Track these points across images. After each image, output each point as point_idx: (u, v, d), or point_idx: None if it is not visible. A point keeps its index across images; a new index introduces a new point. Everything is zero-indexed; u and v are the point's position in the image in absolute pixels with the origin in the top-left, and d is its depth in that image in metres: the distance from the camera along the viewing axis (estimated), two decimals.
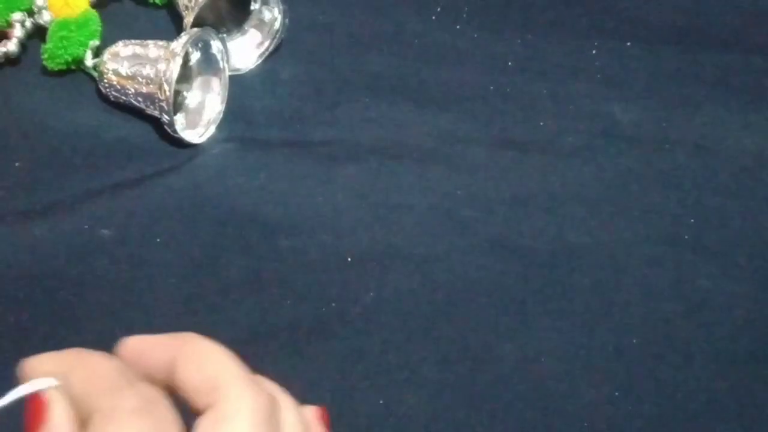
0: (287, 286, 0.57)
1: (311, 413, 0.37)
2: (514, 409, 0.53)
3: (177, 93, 0.63)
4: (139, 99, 0.63)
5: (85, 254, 0.58)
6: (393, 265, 0.58)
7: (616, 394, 0.54)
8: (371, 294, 0.57)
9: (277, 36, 0.68)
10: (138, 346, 0.35)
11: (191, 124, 0.65)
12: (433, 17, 0.72)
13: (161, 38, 0.64)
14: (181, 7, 0.66)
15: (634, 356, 0.55)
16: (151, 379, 0.33)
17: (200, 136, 0.64)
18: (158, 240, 0.59)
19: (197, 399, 0.32)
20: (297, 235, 0.59)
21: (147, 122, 0.64)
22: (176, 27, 0.69)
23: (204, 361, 0.33)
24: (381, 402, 0.53)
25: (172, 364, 0.33)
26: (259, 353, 0.54)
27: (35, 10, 0.67)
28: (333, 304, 0.56)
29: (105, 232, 0.59)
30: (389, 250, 0.59)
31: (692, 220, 0.62)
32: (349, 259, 0.58)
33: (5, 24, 0.66)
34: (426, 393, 0.53)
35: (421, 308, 0.57)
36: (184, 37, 0.62)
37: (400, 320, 0.56)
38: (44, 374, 0.32)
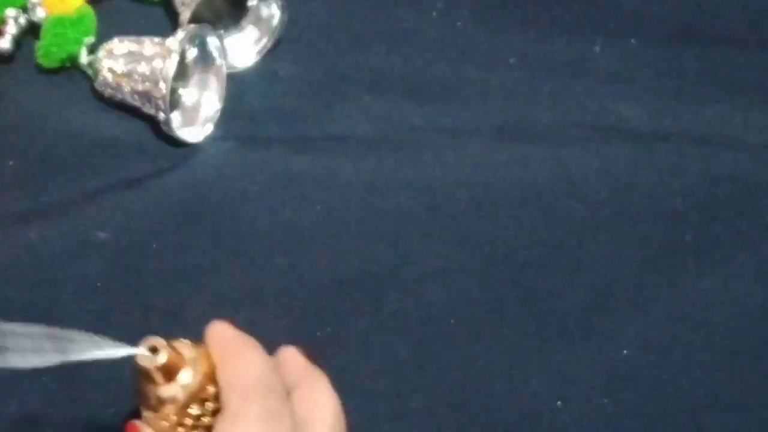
0: (283, 306, 0.57)
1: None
2: (509, 425, 0.53)
3: (173, 91, 0.62)
4: (135, 97, 0.62)
5: (80, 257, 0.58)
6: (388, 286, 0.58)
7: (615, 398, 0.54)
8: (365, 319, 0.57)
9: (276, 33, 0.68)
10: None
11: (188, 123, 0.64)
12: (434, 14, 0.72)
13: (157, 35, 0.63)
14: (178, 4, 0.66)
15: (634, 361, 0.55)
16: None
17: (197, 135, 0.64)
18: (154, 245, 0.58)
19: None
20: (294, 252, 0.59)
21: (143, 121, 0.64)
22: (172, 23, 0.68)
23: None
24: None
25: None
26: None
27: (29, 6, 0.66)
28: (328, 329, 0.56)
29: (101, 234, 0.58)
30: (385, 269, 0.59)
31: (694, 220, 0.62)
32: (345, 282, 0.58)
33: None
34: (415, 424, 0.53)
35: (413, 332, 0.56)
36: (180, 34, 0.61)
37: (392, 347, 0.56)
38: (214, 340, 0.40)
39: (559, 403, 0.54)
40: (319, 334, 0.56)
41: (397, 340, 0.56)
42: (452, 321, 0.57)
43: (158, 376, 0.38)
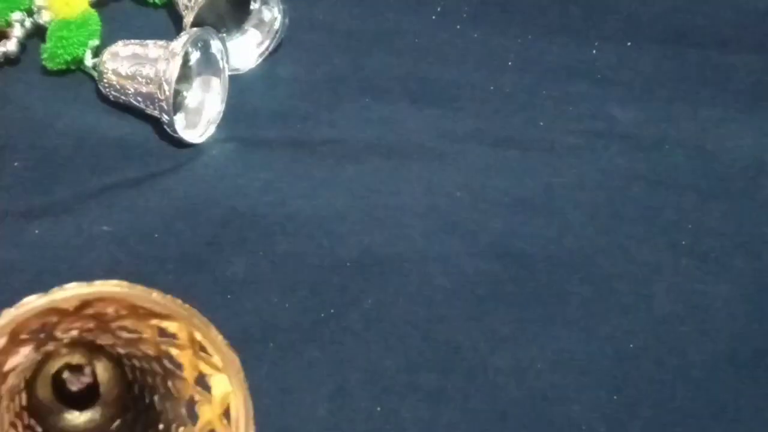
0: (286, 290, 0.57)
1: None
2: (511, 416, 0.53)
3: (177, 93, 0.63)
4: (139, 99, 0.63)
5: (84, 253, 0.58)
6: (391, 270, 0.58)
7: (614, 398, 0.54)
8: (370, 300, 0.57)
9: (277, 36, 0.68)
10: None
11: (191, 124, 0.65)
12: (433, 17, 0.72)
13: (161, 38, 0.64)
14: (181, 7, 0.66)
15: (633, 361, 0.55)
16: None
17: (200, 136, 0.64)
18: (156, 237, 0.59)
19: None
20: (296, 238, 0.59)
21: (147, 122, 0.64)
22: (176, 27, 0.69)
23: None
24: (378, 409, 0.53)
25: None
26: (256, 356, 0.54)
27: (35, 9, 0.67)
28: (332, 311, 0.56)
29: (105, 228, 0.59)
30: (388, 254, 0.59)
31: (690, 225, 0.61)
32: (348, 264, 0.58)
33: (5, 24, 0.66)
34: (423, 400, 0.53)
35: (418, 314, 0.56)
36: (183, 37, 0.62)
37: (398, 327, 0.56)
38: None
39: None
40: (322, 315, 0.56)
41: (401, 319, 0.56)
42: (457, 303, 0.57)
43: None
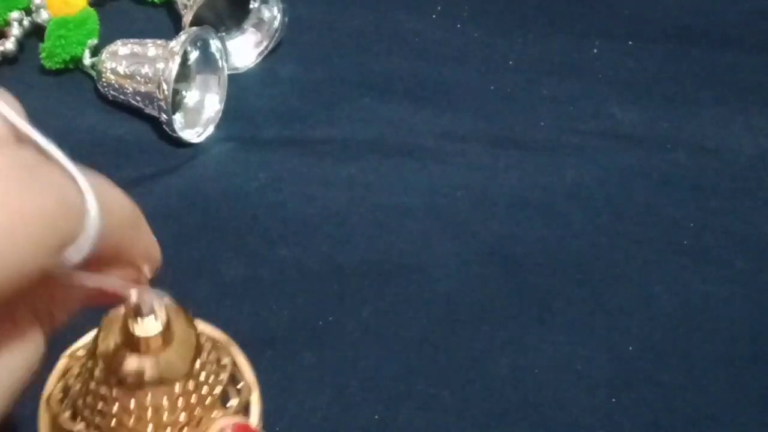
0: (285, 296, 0.56)
1: None
2: (510, 421, 0.52)
3: (175, 92, 0.63)
4: (138, 98, 0.63)
5: None
6: (391, 275, 0.58)
7: (613, 400, 0.54)
8: (369, 307, 0.56)
9: (277, 35, 0.68)
10: None
11: (190, 124, 0.64)
12: (434, 16, 0.72)
13: (160, 37, 0.64)
14: (180, 6, 0.66)
15: (632, 363, 0.55)
16: None
17: (199, 136, 0.64)
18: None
19: None
20: (295, 243, 0.59)
21: (146, 122, 0.64)
22: (175, 26, 0.69)
23: None
24: (376, 417, 0.52)
25: None
26: (253, 361, 0.54)
27: (33, 8, 0.67)
28: (330, 318, 0.56)
29: None
30: (388, 259, 0.58)
31: (692, 224, 0.61)
32: (347, 271, 0.58)
33: (3, 23, 0.66)
34: (421, 407, 0.53)
35: (417, 320, 0.56)
36: (182, 36, 0.61)
37: (396, 333, 0.55)
38: None
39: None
40: (321, 323, 0.55)
41: (399, 327, 0.55)
42: (454, 309, 0.56)
43: None
